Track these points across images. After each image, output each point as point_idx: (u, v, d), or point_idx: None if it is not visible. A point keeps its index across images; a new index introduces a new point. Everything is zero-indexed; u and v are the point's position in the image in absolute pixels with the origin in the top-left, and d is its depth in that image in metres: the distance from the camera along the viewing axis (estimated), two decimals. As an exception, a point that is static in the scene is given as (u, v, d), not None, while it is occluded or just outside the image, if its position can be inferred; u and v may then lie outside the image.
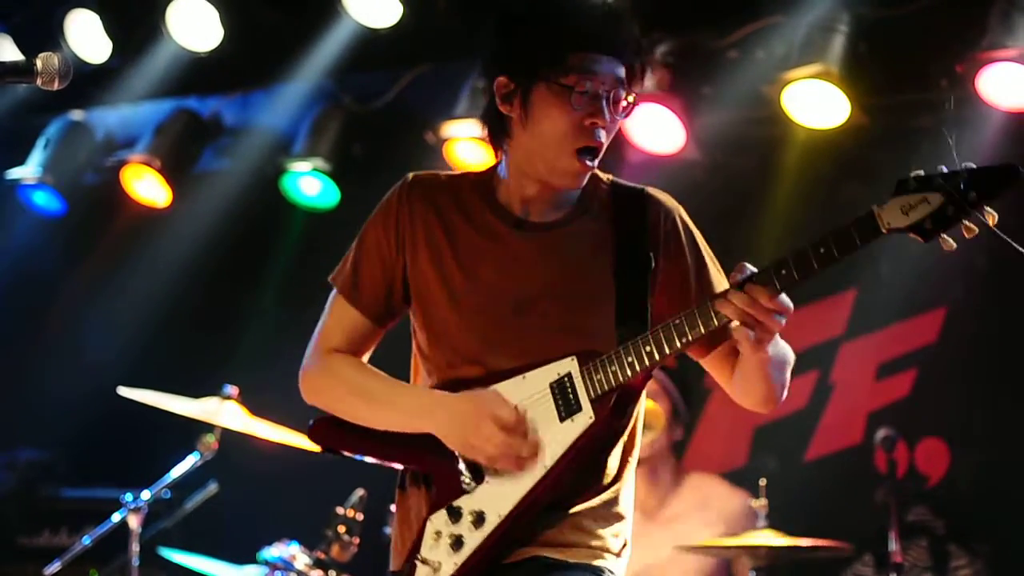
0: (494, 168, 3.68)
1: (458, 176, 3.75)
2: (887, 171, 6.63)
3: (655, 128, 6.87)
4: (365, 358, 3.73)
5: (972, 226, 3.11)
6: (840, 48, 6.47)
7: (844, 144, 6.84)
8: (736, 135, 7.09)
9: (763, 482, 5.83)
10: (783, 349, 3.52)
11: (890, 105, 6.86)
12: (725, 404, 6.90)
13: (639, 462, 5.98)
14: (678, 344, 3.36)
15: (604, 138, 3.50)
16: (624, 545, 3.58)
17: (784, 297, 3.29)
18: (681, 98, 6.84)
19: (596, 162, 3.52)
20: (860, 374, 7.15)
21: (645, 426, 5.88)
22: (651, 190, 3.67)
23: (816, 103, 6.59)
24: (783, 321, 3.32)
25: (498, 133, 3.60)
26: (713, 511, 6.40)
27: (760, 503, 5.81)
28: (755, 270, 3.29)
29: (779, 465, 6.52)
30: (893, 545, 5.96)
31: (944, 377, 6.99)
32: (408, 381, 3.69)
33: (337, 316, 3.70)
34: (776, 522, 5.80)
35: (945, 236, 3.14)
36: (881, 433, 6.27)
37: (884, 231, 3.17)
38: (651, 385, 5.94)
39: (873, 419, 6.95)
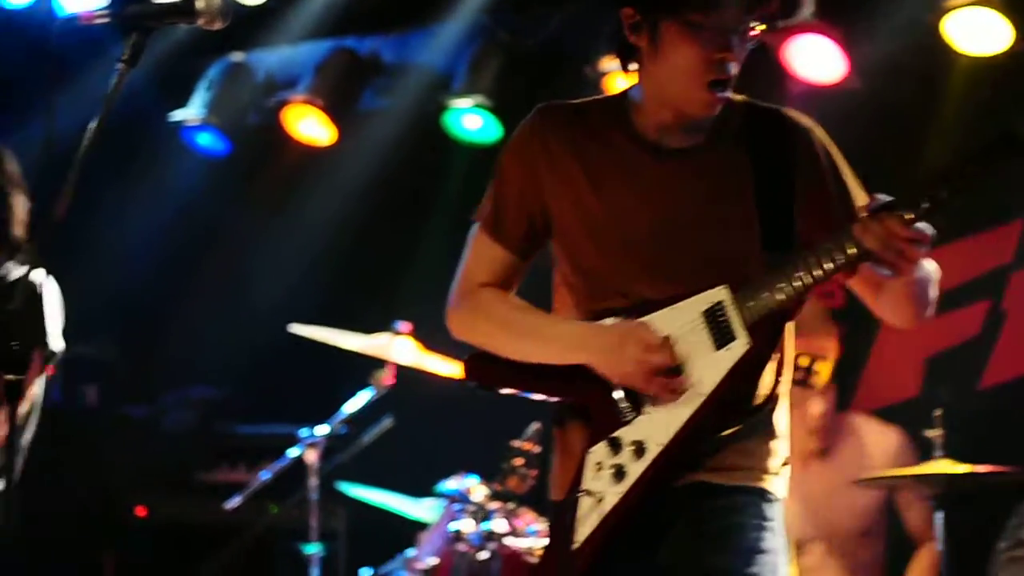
0: (626, 92, 3.72)
1: (590, 102, 3.80)
2: (1053, 97, 6.77)
3: (816, 59, 6.97)
4: (511, 292, 3.79)
5: None
6: (1003, -28, 6.47)
7: (1007, 71, 6.83)
8: (897, 64, 7.10)
9: (938, 412, 5.89)
10: (926, 268, 3.55)
11: (1054, 30, 6.84)
12: (895, 336, 7.11)
13: (809, 398, 6.13)
14: (824, 270, 3.40)
15: (735, 70, 3.54)
16: (784, 463, 3.66)
17: (922, 225, 3.33)
18: (842, 28, 6.92)
19: (728, 92, 3.57)
20: (1033, 301, 7.17)
21: (820, 357, 6.14)
22: (787, 111, 3.71)
23: (978, 30, 6.62)
24: (922, 250, 3.36)
25: (629, 61, 3.68)
26: (871, 451, 6.45)
27: (936, 433, 5.81)
28: (888, 199, 3.35)
29: (953, 395, 6.57)
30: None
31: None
32: (550, 310, 3.76)
33: (480, 252, 3.77)
34: (952, 452, 5.80)
35: None
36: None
37: None
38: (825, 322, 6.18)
39: (1049, 345, 6.97)
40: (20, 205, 5.63)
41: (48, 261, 3.71)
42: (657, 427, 3.52)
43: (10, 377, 3.17)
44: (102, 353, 8.78)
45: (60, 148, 3.48)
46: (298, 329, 6.73)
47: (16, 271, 5.57)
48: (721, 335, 3.51)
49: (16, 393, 3.19)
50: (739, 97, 3.69)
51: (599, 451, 3.57)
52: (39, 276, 4.69)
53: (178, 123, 8.38)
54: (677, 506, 3.57)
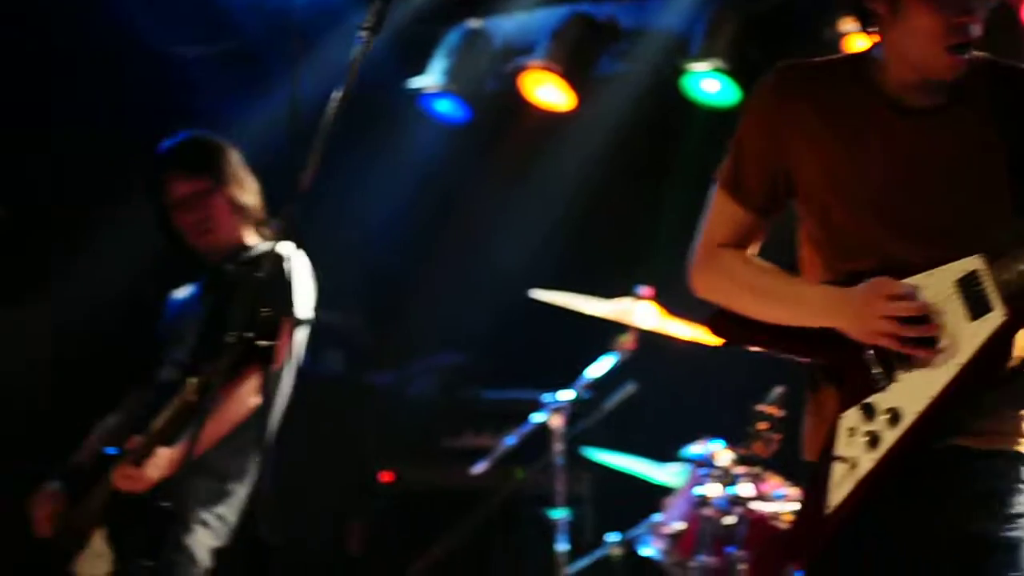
0: (869, 51, 3.71)
1: (830, 61, 3.79)
2: None
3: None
4: (752, 252, 3.82)
5: None
6: None
7: None
8: None
9: None
10: None
11: None
12: None
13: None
14: None
15: (977, 32, 3.51)
16: None
17: None
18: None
19: (970, 53, 3.54)
20: None
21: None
22: None
23: None
24: None
25: (869, 27, 3.65)
26: None
27: None
28: None
29: None
30: None
31: None
32: (795, 271, 3.77)
33: (720, 212, 3.80)
34: None
35: None
36: None
37: None
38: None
39: None
40: (251, 190, 5.86)
41: (295, 231, 3.80)
42: (912, 394, 3.51)
43: (262, 343, 3.26)
44: (347, 321, 8.97)
45: (305, 119, 3.55)
46: (540, 295, 6.79)
47: (263, 246, 5.78)
48: (976, 305, 3.49)
49: (268, 358, 3.28)
50: (981, 54, 3.64)
51: (852, 417, 3.58)
52: (287, 249, 4.85)
53: (417, 90, 8.46)
54: (934, 469, 3.56)
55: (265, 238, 5.86)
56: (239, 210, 5.81)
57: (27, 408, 8.01)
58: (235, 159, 5.91)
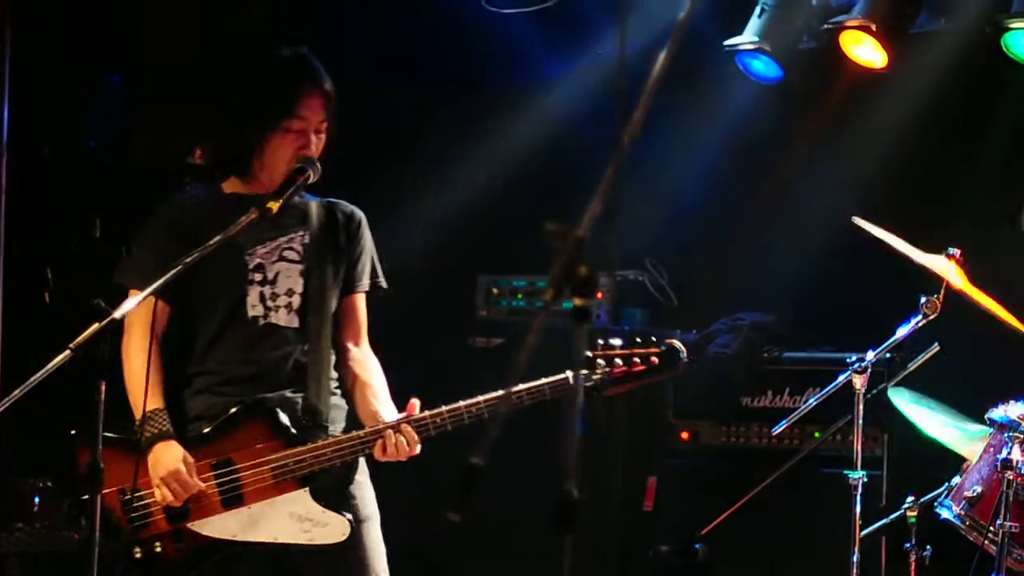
0: None
1: None
2: None
3: None
4: None
5: None
6: None
7: None
8: None
9: None
10: None
11: None
12: None
13: None
14: None
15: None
16: None
17: None
18: None
19: None
20: None
21: None
22: None
23: None
24: None
25: None
26: None
27: None
28: None
29: None
30: None
31: None
32: None
33: None
34: None
35: None
36: None
37: None
38: None
39: None
40: None
41: (617, 188, 4.02)
42: None
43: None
44: (651, 278, 9.27)
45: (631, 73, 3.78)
46: (861, 223, 6.81)
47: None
48: None
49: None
50: None
51: None
52: None
53: (733, 49, 8.65)
54: None
55: None
56: None
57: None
58: None
